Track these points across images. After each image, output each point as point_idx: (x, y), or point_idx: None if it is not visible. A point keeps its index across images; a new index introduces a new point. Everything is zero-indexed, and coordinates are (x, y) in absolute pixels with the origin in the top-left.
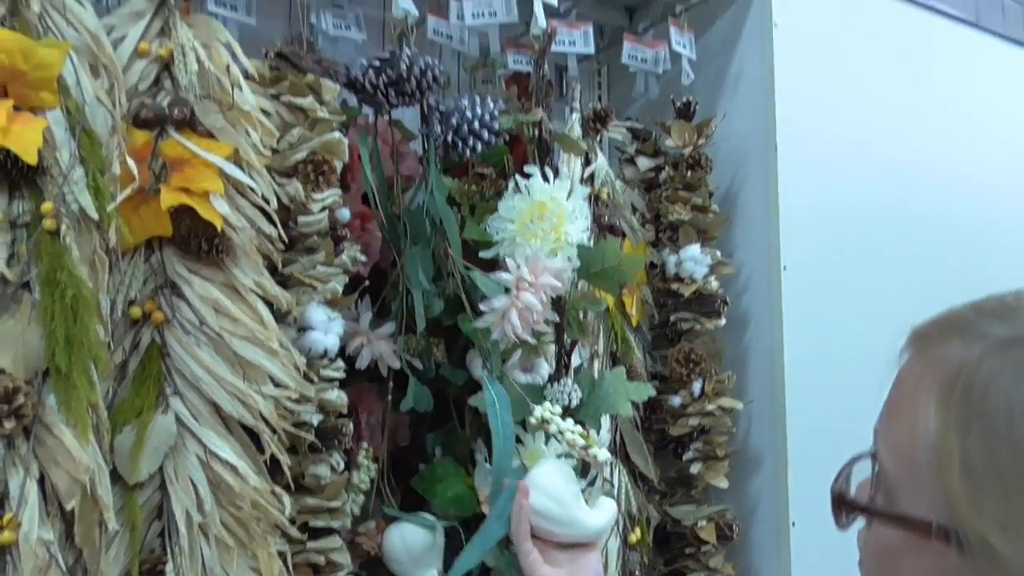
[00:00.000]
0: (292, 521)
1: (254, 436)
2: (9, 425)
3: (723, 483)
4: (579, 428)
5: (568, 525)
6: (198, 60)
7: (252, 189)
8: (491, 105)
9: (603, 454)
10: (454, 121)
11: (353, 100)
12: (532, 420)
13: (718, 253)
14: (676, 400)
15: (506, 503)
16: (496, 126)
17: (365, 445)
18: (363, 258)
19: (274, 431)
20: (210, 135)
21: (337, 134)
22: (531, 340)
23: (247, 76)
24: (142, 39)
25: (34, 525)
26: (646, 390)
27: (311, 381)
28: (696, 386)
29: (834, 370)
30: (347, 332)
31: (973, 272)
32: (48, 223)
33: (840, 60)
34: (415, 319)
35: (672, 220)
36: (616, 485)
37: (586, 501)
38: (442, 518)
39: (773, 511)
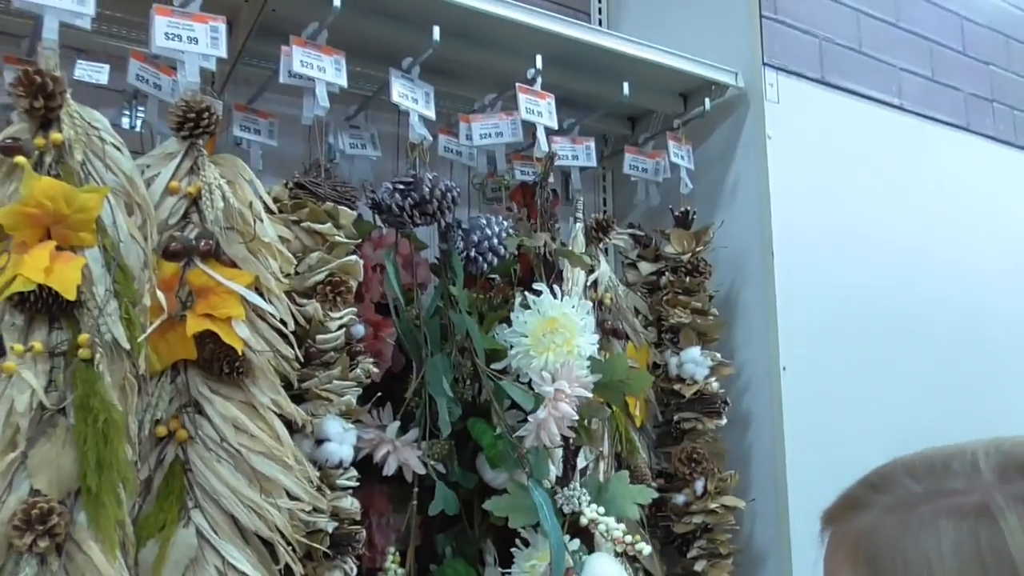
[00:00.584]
0: None
1: (270, 546)
2: (43, 544)
3: None
4: (623, 526)
5: None
6: (223, 196)
7: (271, 314)
8: (505, 224)
9: (647, 548)
10: (475, 238)
11: (367, 213)
12: (583, 520)
13: (718, 355)
14: (680, 498)
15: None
16: (507, 246)
17: (392, 550)
18: (375, 370)
19: (289, 542)
20: (233, 264)
21: (354, 257)
22: (559, 444)
23: (268, 210)
24: (173, 178)
25: None
26: (649, 493)
27: (328, 490)
28: (699, 485)
29: (835, 467)
30: (373, 440)
31: (969, 367)
32: (83, 352)
33: (833, 168)
34: (438, 425)
35: (673, 323)
36: None
37: None
38: None
39: None
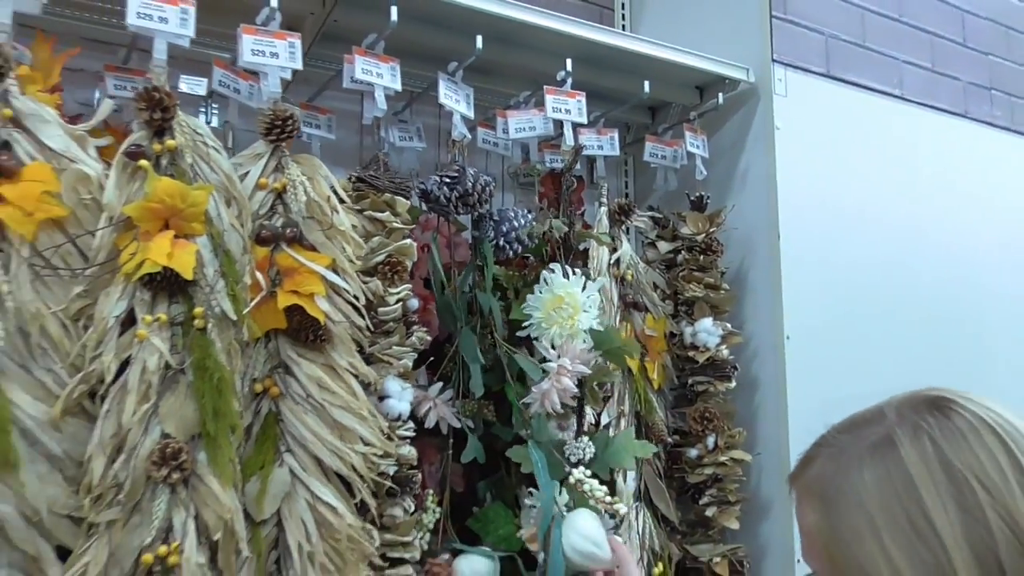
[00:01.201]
0: None
1: (346, 484)
2: (175, 476)
3: (735, 525)
4: (605, 488)
5: (593, 565)
6: (305, 191)
7: (346, 290)
8: (531, 216)
9: (623, 508)
10: (504, 228)
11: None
12: (570, 480)
13: (728, 325)
14: (693, 452)
15: (557, 542)
16: (535, 232)
17: (431, 491)
18: (428, 337)
19: (363, 480)
20: (313, 248)
21: (409, 240)
22: (560, 411)
23: (341, 201)
24: (261, 175)
25: (192, 552)
26: (650, 448)
27: (390, 439)
28: (711, 440)
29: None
30: (416, 398)
31: (960, 337)
32: (199, 323)
33: (836, 156)
34: (471, 387)
35: (688, 297)
36: (642, 526)
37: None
38: (492, 552)
39: (780, 550)
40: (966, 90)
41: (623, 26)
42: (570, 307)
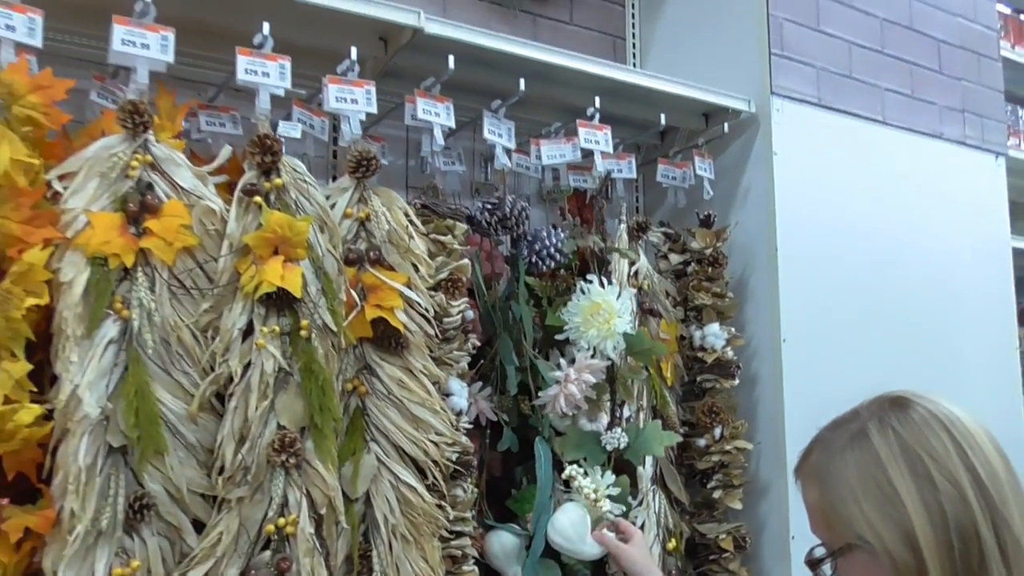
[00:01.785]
0: None
1: (419, 468)
2: (291, 461)
3: (738, 505)
4: (594, 485)
5: (572, 552)
6: (386, 219)
7: (419, 303)
8: (562, 235)
9: (607, 505)
10: (537, 246)
11: None
12: (563, 476)
13: (732, 329)
14: (701, 442)
15: (543, 528)
16: (565, 249)
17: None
18: (479, 343)
19: (436, 464)
20: (392, 269)
21: (466, 260)
22: (570, 414)
23: (415, 228)
24: (348, 206)
25: (305, 523)
26: (674, 437)
27: (456, 430)
28: (717, 431)
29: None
30: None
31: (938, 336)
32: (304, 333)
33: (827, 176)
34: (507, 385)
35: (697, 304)
36: (657, 506)
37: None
38: (525, 529)
39: (777, 527)
40: (941, 113)
41: (634, 54)
42: (606, 312)
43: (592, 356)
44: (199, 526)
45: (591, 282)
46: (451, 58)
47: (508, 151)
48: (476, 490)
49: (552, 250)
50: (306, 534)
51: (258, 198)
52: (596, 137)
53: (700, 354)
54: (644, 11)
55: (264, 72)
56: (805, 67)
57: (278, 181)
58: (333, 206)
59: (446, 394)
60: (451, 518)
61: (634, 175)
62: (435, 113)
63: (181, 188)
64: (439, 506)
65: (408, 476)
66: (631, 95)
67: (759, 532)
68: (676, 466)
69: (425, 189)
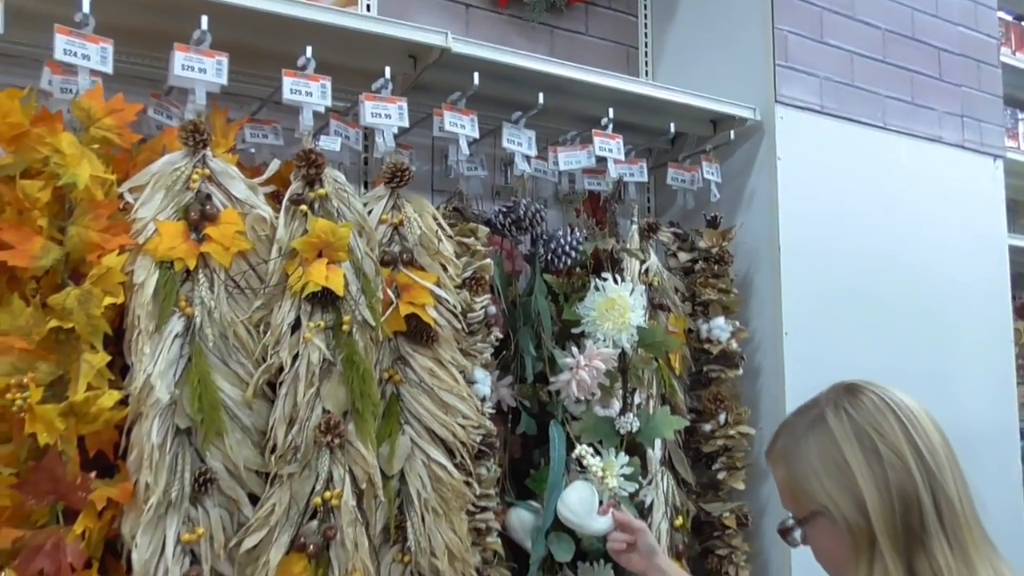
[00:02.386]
0: None
1: (448, 449)
2: (336, 441)
3: (741, 486)
4: (602, 464)
5: (580, 527)
6: (418, 225)
7: (448, 300)
8: (577, 234)
9: (613, 482)
10: (552, 245)
11: None
12: (574, 455)
13: (737, 323)
14: (707, 427)
15: (553, 503)
16: (580, 248)
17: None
18: (500, 336)
19: (464, 445)
20: (423, 269)
21: (488, 260)
22: (584, 398)
23: (445, 233)
24: (383, 212)
25: (348, 496)
26: (682, 422)
27: (482, 415)
28: (722, 417)
29: None
30: None
31: (933, 330)
32: (346, 327)
33: (829, 180)
34: (526, 374)
35: (704, 299)
36: (666, 487)
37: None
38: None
39: (778, 507)
40: (941, 118)
41: (646, 63)
42: (621, 307)
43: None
44: (254, 499)
45: (606, 279)
46: (476, 75)
47: (528, 158)
48: (499, 469)
49: (567, 248)
50: (349, 506)
51: (304, 207)
52: (609, 145)
53: (706, 346)
54: (656, 23)
55: (307, 92)
56: (808, 76)
57: (321, 191)
58: (370, 213)
59: (471, 382)
60: (477, 494)
61: (645, 179)
62: (460, 125)
63: (235, 198)
64: (466, 483)
65: (439, 455)
66: (643, 105)
67: (760, 511)
68: (683, 450)
69: (452, 195)
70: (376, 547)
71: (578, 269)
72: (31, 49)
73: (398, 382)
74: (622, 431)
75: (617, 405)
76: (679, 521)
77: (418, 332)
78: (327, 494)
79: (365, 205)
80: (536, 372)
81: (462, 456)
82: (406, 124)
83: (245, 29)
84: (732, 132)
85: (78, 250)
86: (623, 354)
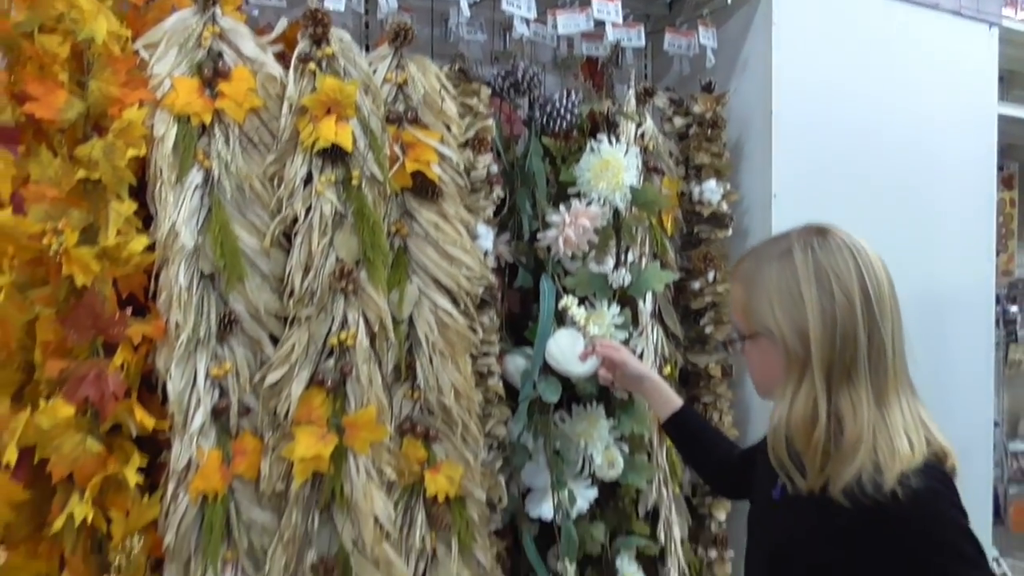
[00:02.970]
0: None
1: (454, 298)
2: (350, 287)
3: None
4: (585, 313)
5: (565, 371)
6: (421, 83)
7: (451, 158)
8: (573, 97)
9: (595, 330)
10: (549, 108)
11: None
12: (560, 306)
13: (728, 185)
14: (696, 284)
15: (541, 347)
16: (576, 111)
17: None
18: (502, 194)
19: (467, 294)
20: (427, 127)
21: (490, 120)
22: (569, 255)
23: (448, 91)
24: (387, 71)
25: (362, 337)
26: (672, 276)
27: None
28: (710, 275)
29: None
30: None
31: (917, 198)
32: (355, 182)
33: (824, 47)
34: (522, 232)
35: (697, 163)
36: (655, 338)
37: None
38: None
39: None
40: None
41: None
42: (615, 168)
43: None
44: (275, 341)
45: (601, 141)
46: None
47: (527, 21)
48: (499, 319)
49: (564, 110)
50: (363, 346)
51: (312, 65)
52: (608, 8)
53: (698, 208)
54: None
55: None
56: None
57: (328, 50)
58: (375, 72)
59: (474, 237)
60: (480, 339)
61: (642, 43)
62: None
63: (246, 56)
64: (471, 328)
65: (445, 303)
66: None
67: (743, 362)
68: (672, 306)
69: (453, 58)
70: (388, 384)
71: (575, 132)
72: None
73: (405, 235)
74: (615, 285)
75: (611, 262)
76: (667, 370)
77: (423, 188)
78: (342, 335)
79: (370, 64)
80: (532, 230)
81: (466, 304)
82: None
83: None
84: None
85: (99, 104)
86: (617, 213)
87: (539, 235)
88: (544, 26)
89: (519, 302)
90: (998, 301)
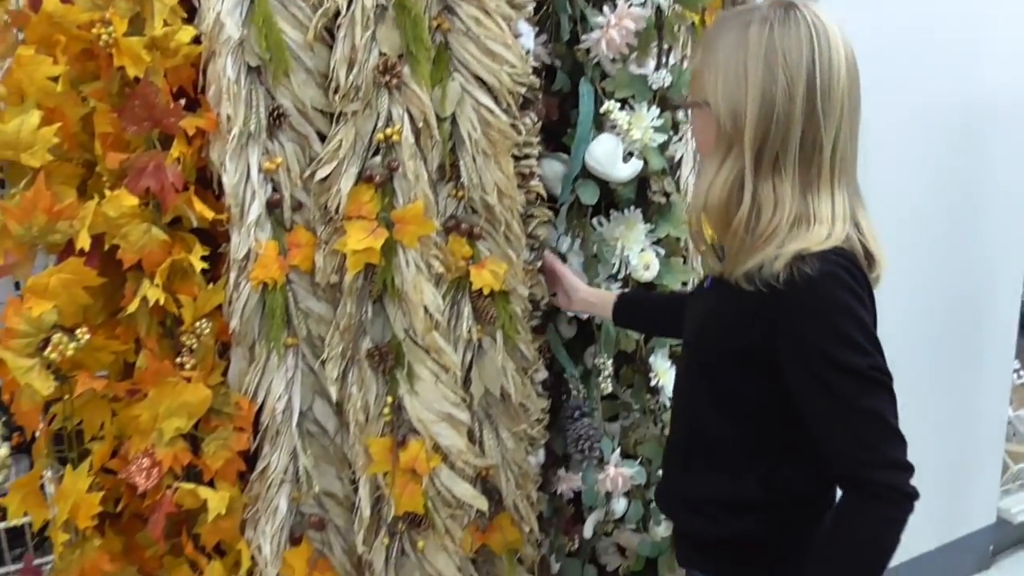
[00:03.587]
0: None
1: (495, 97)
2: (394, 82)
3: None
4: (628, 117)
5: (605, 175)
6: None
7: None
8: None
9: (637, 134)
10: None
11: None
12: (602, 110)
13: None
14: None
15: (581, 152)
16: None
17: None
18: None
19: (510, 92)
20: None
21: None
22: (611, 57)
23: None
24: None
25: (407, 134)
26: None
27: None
28: None
29: None
30: None
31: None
32: None
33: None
34: (561, 33)
35: None
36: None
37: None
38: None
39: None
40: None
41: None
42: None
43: (643, 5)
44: (322, 138)
45: None
46: None
47: None
48: (539, 121)
49: None
50: (408, 142)
51: None
52: None
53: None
54: None
55: None
56: None
57: None
58: None
59: (516, 35)
60: (522, 137)
61: None
62: None
63: None
64: (513, 126)
65: (487, 100)
66: None
67: None
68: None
69: None
70: (434, 183)
71: None
72: None
73: (446, 30)
74: (655, 87)
75: (652, 64)
76: None
77: None
78: (388, 130)
79: None
80: (570, 32)
81: (508, 103)
82: None
83: None
84: None
85: None
86: (659, 11)
87: (583, 36)
88: None
89: (557, 110)
90: None
